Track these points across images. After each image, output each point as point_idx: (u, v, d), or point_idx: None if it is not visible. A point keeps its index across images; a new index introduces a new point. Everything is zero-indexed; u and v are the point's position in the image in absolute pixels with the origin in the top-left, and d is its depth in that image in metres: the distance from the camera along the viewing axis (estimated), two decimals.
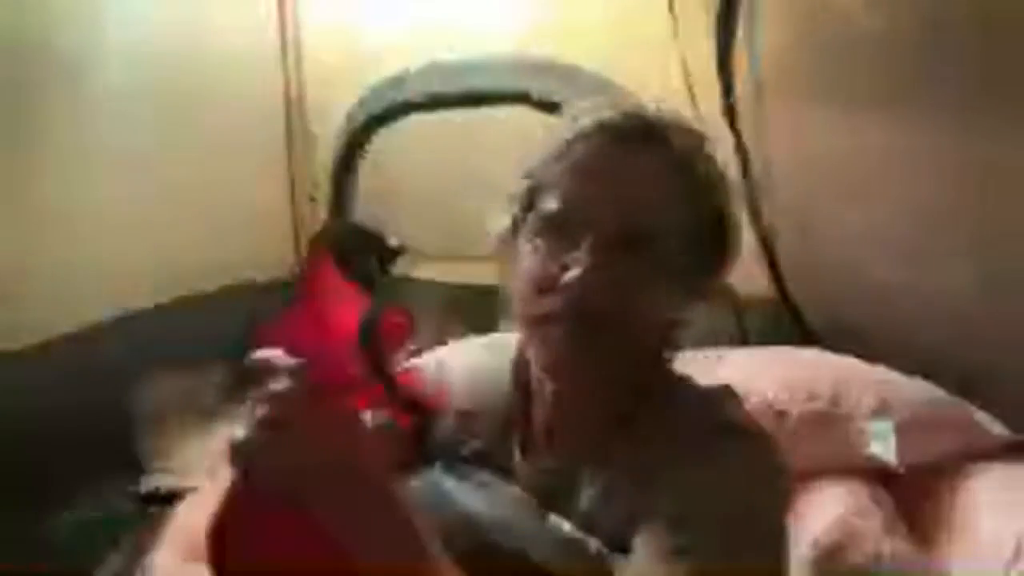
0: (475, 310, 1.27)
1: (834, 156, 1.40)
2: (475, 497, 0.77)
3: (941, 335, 1.32)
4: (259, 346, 0.57)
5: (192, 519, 1.13)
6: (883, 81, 1.25)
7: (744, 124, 1.55)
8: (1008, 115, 1.07)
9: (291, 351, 0.57)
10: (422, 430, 0.86)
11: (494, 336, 0.75)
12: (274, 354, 0.57)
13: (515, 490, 0.77)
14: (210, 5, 1.87)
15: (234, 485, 0.56)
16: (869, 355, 1.37)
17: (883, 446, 1.20)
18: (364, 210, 2.20)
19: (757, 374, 1.31)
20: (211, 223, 1.88)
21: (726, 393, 0.78)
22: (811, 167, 1.48)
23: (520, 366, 0.81)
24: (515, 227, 0.75)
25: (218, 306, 1.96)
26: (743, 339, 1.64)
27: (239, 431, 0.53)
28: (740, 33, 1.48)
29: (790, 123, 1.48)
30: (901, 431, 1.20)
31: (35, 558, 1.35)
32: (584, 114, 0.73)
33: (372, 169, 2.15)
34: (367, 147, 2.12)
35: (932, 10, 1.14)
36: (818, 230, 1.51)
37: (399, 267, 2.11)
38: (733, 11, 1.47)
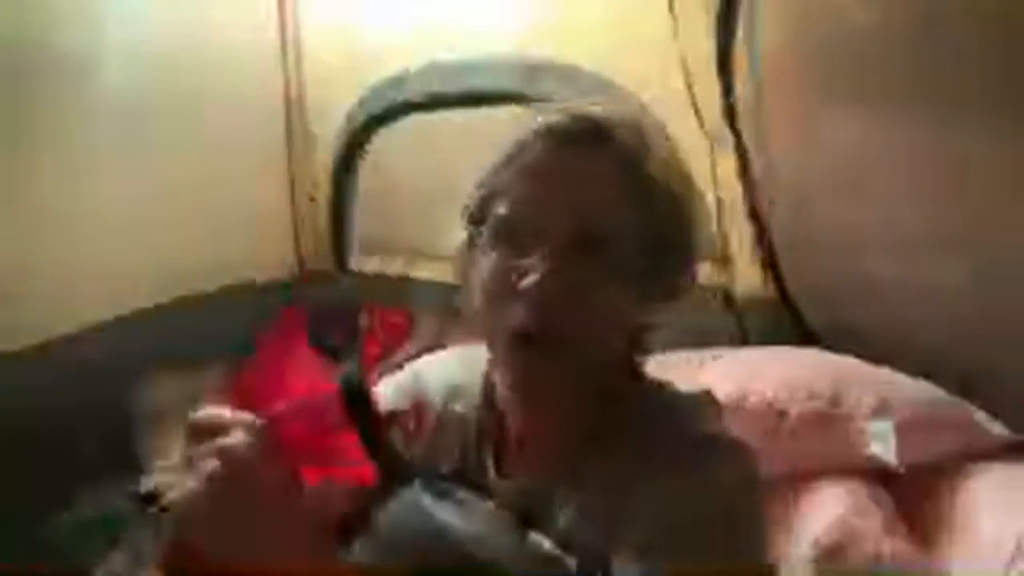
0: None
1: (834, 156, 1.40)
2: (454, 514, 0.77)
3: (941, 335, 1.32)
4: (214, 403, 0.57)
5: None
6: (883, 80, 1.25)
7: (744, 124, 1.55)
8: (1010, 113, 1.07)
9: (249, 407, 0.56)
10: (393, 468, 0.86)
11: (468, 349, 0.74)
12: (224, 411, 0.57)
13: (492, 507, 0.76)
14: (210, 5, 1.87)
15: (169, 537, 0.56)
16: (869, 355, 1.37)
17: (883, 446, 1.20)
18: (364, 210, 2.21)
19: (757, 374, 1.31)
20: (211, 223, 1.88)
21: (704, 400, 0.76)
22: (811, 167, 1.48)
23: (490, 381, 0.80)
24: (472, 239, 0.74)
25: (218, 306, 1.96)
26: (743, 339, 1.64)
27: (177, 484, 0.54)
28: (740, 33, 1.48)
29: (790, 123, 1.48)
30: (901, 431, 1.20)
31: (35, 558, 1.35)
32: (534, 120, 0.72)
33: (372, 169, 2.15)
34: (367, 147, 2.12)
35: (932, 9, 1.14)
36: (818, 230, 1.51)
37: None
38: (733, 11, 1.47)
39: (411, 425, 0.85)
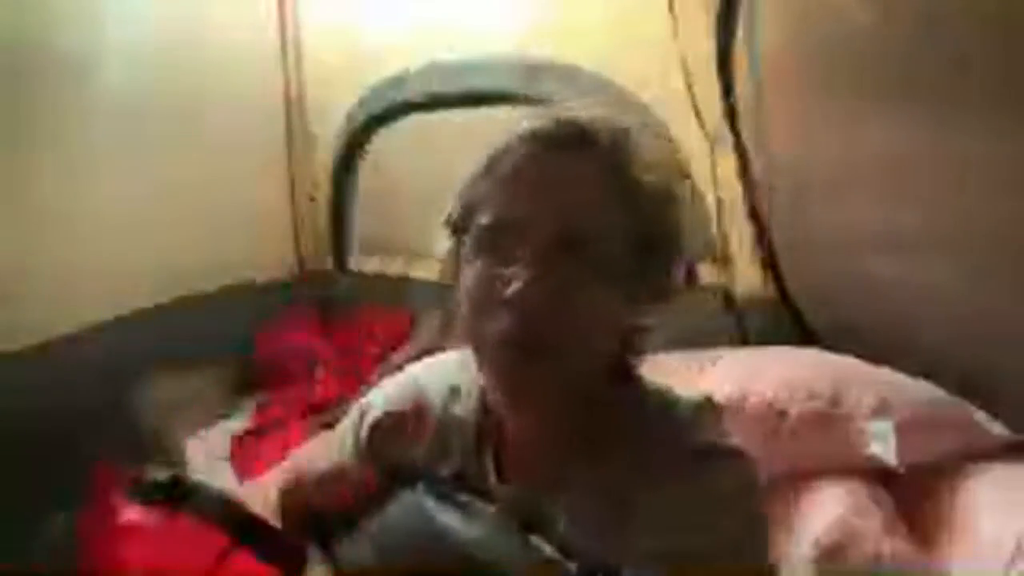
0: None
1: (834, 156, 1.40)
2: (455, 517, 0.77)
3: (941, 335, 1.32)
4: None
5: None
6: (883, 81, 1.25)
7: (744, 124, 1.55)
8: (1009, 113, 1.07)
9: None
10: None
11: (467, 351, 0.74)
12: None
13: (493, 511, 0.76)
14: (210, 5, 1.87)
15: None
16: (869, 355, 1.37)
17: (883, 446, 1.20)
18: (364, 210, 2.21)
19: (757, 374, 1.31)
20: (211, 223, 1.88)
21: (704, 407, 0.75)
22: (811, 167, 1.47)
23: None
24: (456, 249, 0.74)
25: (218, 306, 1.96)
26: (743, 339, 1.64)
27: None
28: (740, 33, 1.48)
29: (790, 123, 1.48)
30: (901, 431, 1.20)
31: (35, 558, 1.35)
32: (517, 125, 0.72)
33: (372, 169, 2.15)
34: (367, 147, 2.12)
35: (931, 9, 1.14)
36: (818, 230, 1.51)
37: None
38: (733, 11, 1.47)
39: (411, 427, 0.86)
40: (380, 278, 2.18)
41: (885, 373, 1.32)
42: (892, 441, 1.20)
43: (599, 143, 0.69)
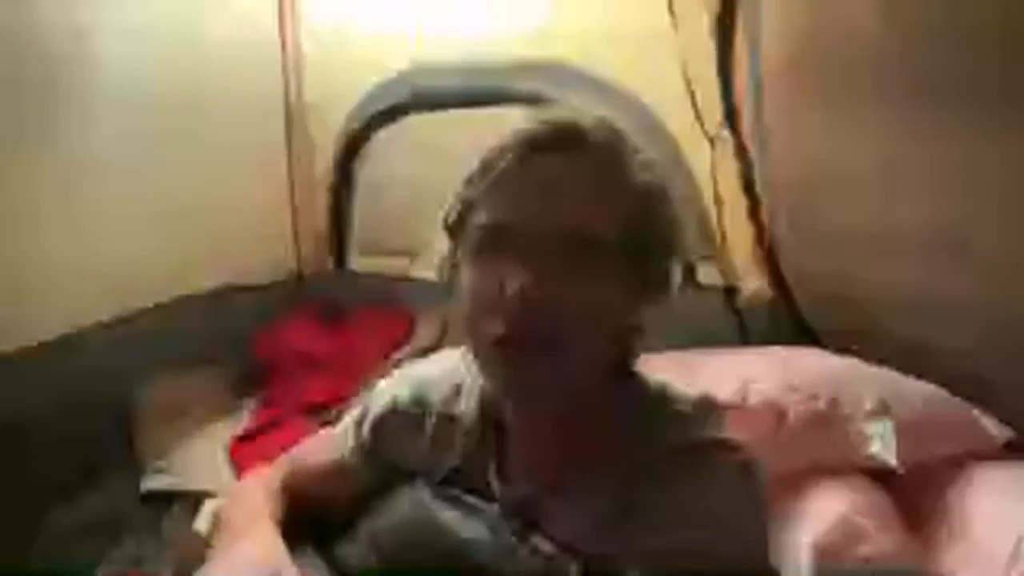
0: None
1: (834, 156, 1.40)
2: (457, 516, 0.77)
3: (942, 335, 1.32)
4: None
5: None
6: (884, 81, 1.25)
7: (744, 124, 1.55)
8: (1010, 113, 1.07)
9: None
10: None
11: (468, 351, 0.74)
12: None
13: (494, 509, 0.77)
14: (210, 6, 1.87)
15: None
16: (869, 355, 1.37)
17: (883, 446, 1.20)
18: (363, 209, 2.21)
19: (757, 374, 1.31)
20: (211, 224, 1.88)
21: (706, 406, 0.76)
22: (811, 167, 1.47)
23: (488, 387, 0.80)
24: (454, 252, 0.75)
25: (218, 306, 1.96)
26: (743, 339, 1.64)
27: None
28: (740, 33, 1.48)
29: (790, 123, 1.48)
30: (901, 431, 1.20)
31: (35, 558, 1.35)
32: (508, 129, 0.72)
33: (372, 169, 2.15)
34: (367, 147, 2.12)
35: (932, 10, 1.14)
36: (818, 230, 1.51)
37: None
38: (733, 11, 1.47)
39: (413, 426, 0.86)
40: (380, 278, 2.18)
41: (885, 373, 1.32)
42: (892, 441, 1.20)
43: (592, 143, 0.70)
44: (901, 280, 1.36)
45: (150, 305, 1.79)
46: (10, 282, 1.45)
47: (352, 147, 2.12)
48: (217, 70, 1.89)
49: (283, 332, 2.07)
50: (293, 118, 2.18)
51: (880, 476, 1.22)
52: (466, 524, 0.76)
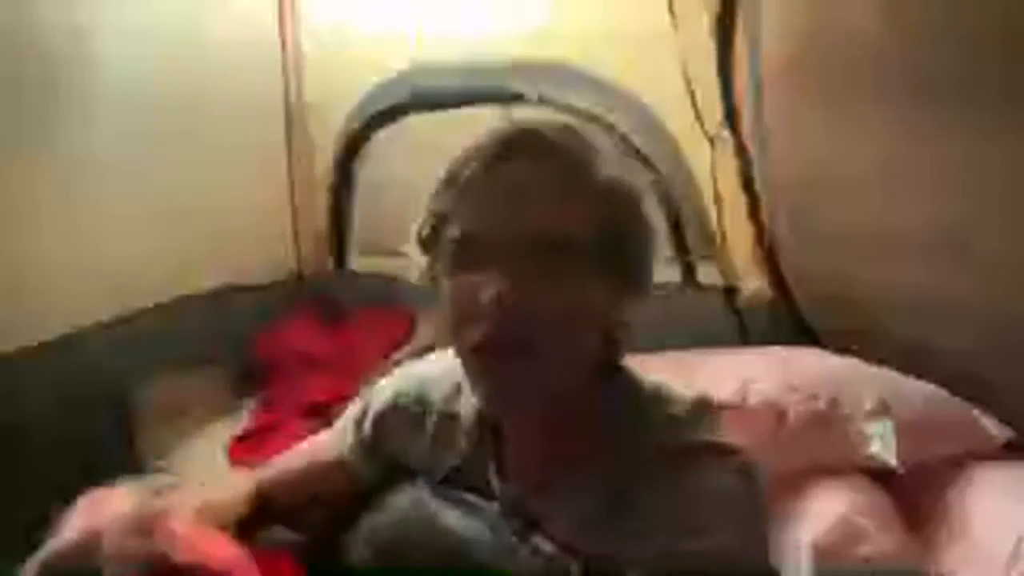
0: None
1: (834, 156, 1.40)
2: (457, 515, 0.77)
3: (942, 335, 1.32)
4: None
5: None
6: (884, 81, 1.25)
7: (744, 124, 1.55)
8: (1011, 113, 1.07)
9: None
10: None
11: None
12: None
13: (495, 509, 0.76)
14: (210, 6, 1.87)
15: None
16: (869, 355, 1.37)
17: (883, 446, 1.20)
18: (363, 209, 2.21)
19: (757, 374, 1.31)
20: (211, 224, 1.88)
21: (701, 407, 0.75)
22: (811, 167, 1.47)
23: None
24: (431, 265, 0.75)
25: (218, 306, 1.96)
26: (743, 339, 1.64)
27: None
28: (740, 33, 1.48)
29: (790, 123, 1.48)
30: (901, 431, 1.20)
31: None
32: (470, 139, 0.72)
33: (372, 169, 2.15)
34: (367, 147, 2.12)
35: (932, 10, 1.14)
36: (818, 230, 1.51)
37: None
38: (733, 11, 1.47)
39: (412, 424, 0.86)
40: (380, 278, 2.18)
41: (885, 373, 1.32)
42: (892, 441, 1.20)
43: (556, 146, 0.70)
44: (901, 280, 1.37)
45: (150, 305, 1.78)
46: (10, 282, 1.45)
47: (352, 147, 2.12)
48: (217, 70, 1.88)
49: (283, 332, 2.07)
50: (293, 118, 2.18)
51: (880, 476, 1.22)
52: (466, 523, 0.76)
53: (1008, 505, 1.13)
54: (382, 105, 2.02)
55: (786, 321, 1.62)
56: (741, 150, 1.56)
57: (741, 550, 0.65)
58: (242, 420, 1.83)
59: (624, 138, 1.68)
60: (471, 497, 0.78)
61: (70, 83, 1.56)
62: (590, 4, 1.72)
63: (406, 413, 0.87)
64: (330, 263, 2.29)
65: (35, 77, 1.48)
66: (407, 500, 0.82)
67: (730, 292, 1.68)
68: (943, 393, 1.27)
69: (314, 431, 1.51)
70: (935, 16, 1.12)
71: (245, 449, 1.70)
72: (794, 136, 1.48)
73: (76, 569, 0.77)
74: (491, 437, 0.79)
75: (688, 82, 1.54)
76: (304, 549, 0.86)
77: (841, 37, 1.30)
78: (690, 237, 1.72)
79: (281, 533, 0.89)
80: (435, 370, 0.88)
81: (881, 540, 1.11)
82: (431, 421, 0.85)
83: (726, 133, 1.56)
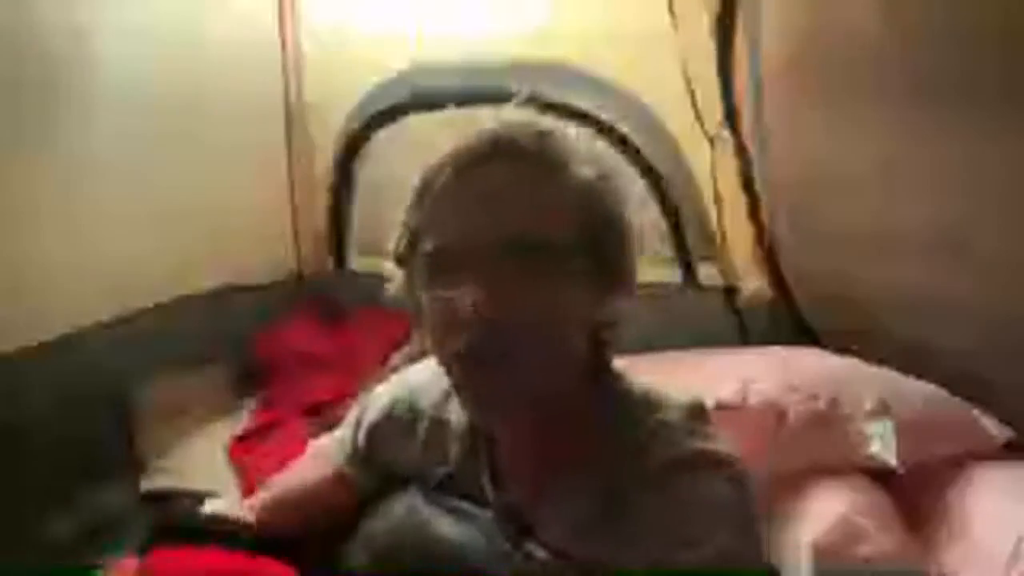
0: None
1: (834, 156, 1.40)
2: (450, 522, 0.77)
3: (942, 335, 1.32)
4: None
5: None
6: (884, 81, 1.25)
7: (744, 124, 1.55)
8: (1011, 113, 1.07)
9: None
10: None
11: None
12: None
13: (488, 516, 0.76)
14: (210, 6, 1.87)
15: None
16: (869, 355, 1.37)
17: (883, 446, 1.20)
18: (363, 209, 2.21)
19: (757, 374, 1.31)
20: (211, 224, 1.88)
21: (694, 411, 0.74)
22: (811, 167, 1.47)
23: None
24: (410, 280, 0.74)
25: (218, 306, 1.96)
26: (743, 339, 1.64)
27: None
28: (740, 33, 1.48)
29: (790, 123, 1.48)
30: (901, 431, 1.20)
31: (35, 558, 1.35)
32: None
33: (372, 169, 2.15)
34: (367, 148, 2.12)
35: (932, 10, 1.14)
36: (818, 230, 1.51)
37: None
38: (733, 11, 1.47)
39: (405, 433, 0.86)
40: (380, 278, 2.17)
41: (885, 373, 1.32)
42: (892, 441, 1.20)
43: (526, 149, 0.69)
44: (901, 280, 1.37)
45: (150, 305, 1.78)
46: (10, 282, 1.45)
47: (352, 147, 2.12)
48: (217, 70, 1.88)
49: (283, 332, 2.07)
50: (293, 118, 2.18)
51: (880, 476, 1.22)
52: (460, 530, 0.76)
53: (1008, 505, 1.13)
54: (382, 105, 2.02)
55: (786, 321, 1.62)
56: (741, 150, 1.57)
57: (733, 559, 0.65)
58: (242, 420, 1.83)
59: (624, 138, 1.68)
60: (465, 504, 0.78)
61: (70, 83, 1.55)
62: (590, 4, 1.72)
63: (399, 422, 0.87)
64: (330, 263, 2.29)
65: (35, 77, 1.48)
66: (402, 507, 0.82)
67: (730, 292, 1.68)
68: (943, 393, 1.27)
69: (314, 431, 1.52)
70: (935, 16, 1.12)
71: (245, 449, 1.70)
72: (794, 136, 1.48)
73: None
74: (483, 443, 0.79)
75: (688, 82, 1.54)
76: (301, 556, 0.86)
77: (841, 37, 1.30)
78: (690, 237, 1.72)
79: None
80: (425, 377, 0.88)
81: (881, 540, 1.11)
82: (422, 428, 0.85)
83: (726, 133, 1.56)
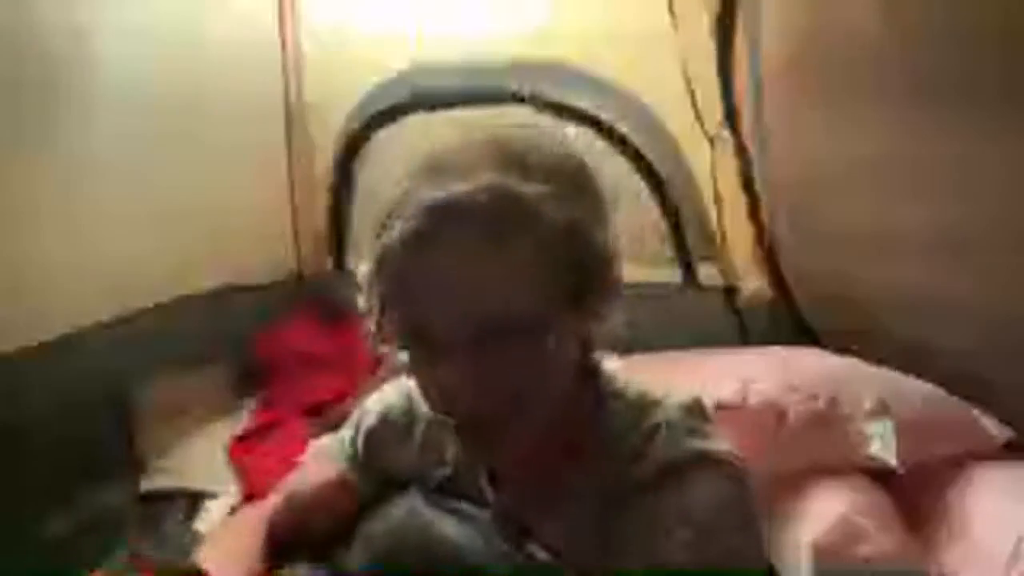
0: None
1: (834, 156, 1.40)
2: (450, 524, 0.77)
3: (942, 335, 1.32)
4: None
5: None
6: (884, 81, 1.25)
7: (744, 124, 1.55)
8: (1012, 113, 1.07)
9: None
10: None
11: None
12: None
13: (488, 517, 0.76)
14: (210, 6, 1.87)
15: None
16: (869, 355, 1.37)
17: (883, 446, 1.20)
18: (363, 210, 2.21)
19: (757, 374, 1.31)
20: (211, 224, 1.88)
21: (693, 411, 0.73)
22: (811, 167, 1.48)
23: None
24: (382, 335, 0.70)
25: (218, 306, 1.96)
26: (743, 339, 1.65)
27: None
28: (740, 33, 1.48)
29: (790, 123, 1.48)
30: (901, 431, 1.20)
31: (35, 558, 1.35)
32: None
33: (372, 169, 2.15)
34: (367, 147, 2.12)
35: (932, 10, 1.14)
36: (818, 230, 1.51)
37: None
38: (733, 11, 1.47)
39: (404, 435, 0.86)
40: None
41: (885, 373, 1.32)
42: (892, 441, 1.20)
43: (480, 210, 0.63)
44: (901, 280, 1.37)
45: (150, 305, 1.78)
46: (10, 282, 1.45)
47: (352, 147, 2.12)
48: (217, 70, 1.88)
49: (283, 332, 2.07)
50: (293, 118, 2.18)
51: (880, 476, 1.22)
52: (460, 531, 0.76)
53: (1008, 505, 1.13)
54: (382, 105, 2.02)
55: (786, 321, 1.63)
56: (741, 150, 1.57)
57: (733, 560, 0.65)
58: (242, 420, 1.83)
59: (624, 138, 1.68)
60: (464, 505, 0.78)
61: (70, 83, 1.55)
62: (590, 4, 1.72)
63: (395, 427, 0.87)
64: (330, 263, 2.29)
65: (35, 77, 1.48)
66: (403, 509, 0.82)
67: (730, 292, 1.68)
68: (943, 393, 1.27)
69: (314, 431, 1.52)
70: (935, 16, 1.12)
71: (245, 449, 1.70)
72: (794, 136, 1.48)
73: None
74: None
75: (688, 82, 1.54)
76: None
77: (841, 37, 1.30)
78: (690, 237, 1.72)
79: None
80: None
81: (881, 540, 1.11)
82: (419, 431, 0.85)
83: (726, 133, 1.56)
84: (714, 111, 1.56)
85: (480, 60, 1.83)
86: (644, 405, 0.73)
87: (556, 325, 0.65)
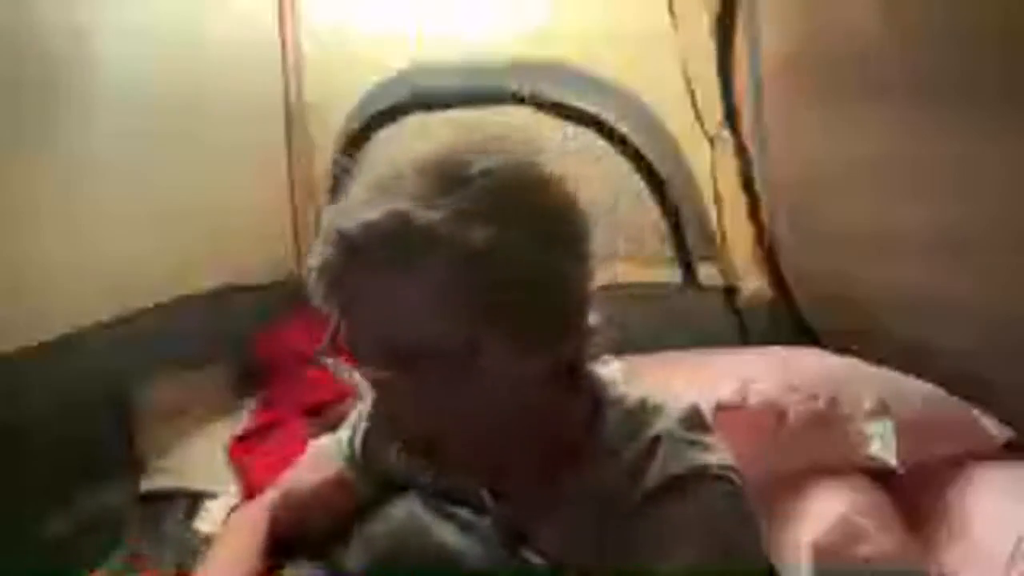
0: None
1: (834, 156, 1.40)
2: (448, 529, 0.77)
3: (942, 335, 1.32)
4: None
5: None
6: (883, 81, 1.25)
7: (744, 124, 1.55)
8: (1012, 113, 1.07)
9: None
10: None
11: None
12: None
13: (486, 523, 0.76)
14: (210, 6, 1.87)
15: None
16: (869, 355, 1.37)
17: (883, 446, 1.20)
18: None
19: (757, 374, 1.31)
20: (211, 224, 1.88)
21: (688, 419, 0.72)
22: (811, 167, 1.48)
23: None
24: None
25: (218, 306, 1.96)
26: (743, 339, 1.65)
27: None
28: (740, 33, 1.49)
29: (790, 123, 1.48)
30: (901, 431, 1.20)
31: (35, 558, 1.35)
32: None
33: (372, 169, 2.15)
34: (367, 148, 2.12)
35: (932, 9, 1.14)
36: (818, 230, 1.51)
37: None
38: (733, 11, 1.47)
39: None
40: None
41: (885, 373, 1.32)
42: (892, 441, 1.20)
43: (377, 247, 0.63)
44: (901, 280, 1.37)
45: (150, 305, 1.78)
46: (10, 282, 1.45)
47: (352, 147, 2.12)
48: (217, 70, 1.88)
49: (283, 332, 2.07)
50: (293, 118, 2.17)
51: (880, 476, 1.22)
52: (458, 537, 0.76)
53: (1008, 505, 1.13)
54: (382, 105, 2.02)
55: (786, 321, 1.63)
56: (741, 150, 1.57)
57: (732, 568, 0.65)
58: (242, 420, 1.83)
59: (624, 138, 1.68)
60: (462, 511, 0.78)
61: (70, 83, 1.55)
62: (590, 4, 1.72)
63: (387, 430, 0.87)
64: None
65: (35, 77, 1.48)
66: (402, 512, 0.82)
67: (730, 292, 1.68)
68: (943, 393, 1.27)
69: (314, 431, 1.52)
70: (935, 16, 1.12)
71: (245, 449, 1.70)
72: (794, 136, 1.48)
73: None
74: None
75: (688, 82, 1.54)
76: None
77: (841, 37, 1.30)
78: (690, 237, 1.72)
79: None
80: None
81: (881, 540, 1.11)
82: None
83: (726, 133, 1.57)
84: (714, 111, 1.56)
85: (480, 60, 1.83)
86: (643, 413, 0.72)
87: (487, 345, 0.63)
